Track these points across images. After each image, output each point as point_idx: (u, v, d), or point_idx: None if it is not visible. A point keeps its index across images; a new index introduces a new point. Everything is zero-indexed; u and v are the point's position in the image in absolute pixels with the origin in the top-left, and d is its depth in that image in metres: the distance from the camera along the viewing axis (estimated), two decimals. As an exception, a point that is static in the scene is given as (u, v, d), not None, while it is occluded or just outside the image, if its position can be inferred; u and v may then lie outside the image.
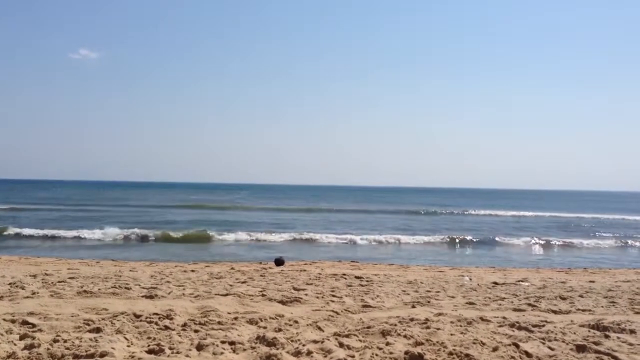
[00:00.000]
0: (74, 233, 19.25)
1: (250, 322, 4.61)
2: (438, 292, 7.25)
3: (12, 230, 19.24)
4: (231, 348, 3.68)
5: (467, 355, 3.52)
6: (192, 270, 9.63)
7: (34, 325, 4.22)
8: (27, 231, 19.29)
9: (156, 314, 4.77)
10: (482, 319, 4.91)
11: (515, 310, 5.72)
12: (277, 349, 3.62)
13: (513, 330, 4.43)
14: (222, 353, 3.53)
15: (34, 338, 3.76)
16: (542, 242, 20.72)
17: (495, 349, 3.73)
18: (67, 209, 34.59)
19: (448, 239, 20.60)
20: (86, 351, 3.39)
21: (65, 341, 3.67)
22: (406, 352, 3.56)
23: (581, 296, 6.95)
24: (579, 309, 5.84)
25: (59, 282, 7.13)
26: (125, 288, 6.56)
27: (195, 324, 4.42)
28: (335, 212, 38.82)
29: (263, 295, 6.33)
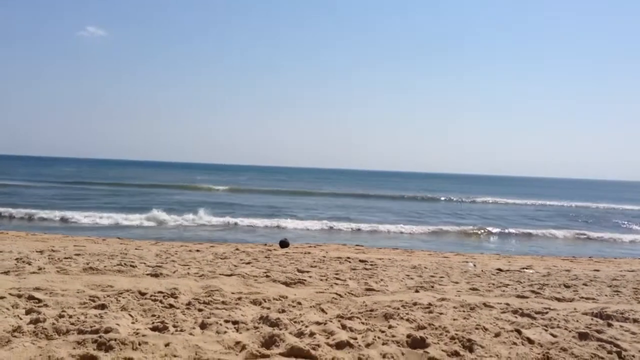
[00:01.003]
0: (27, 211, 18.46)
1: (254, 302, 4.64)
2: (442, 277, 7.25)
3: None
4: (234, 327, 3.70)
5: (469, 340, 3.53)
6: (197, 250, 9.68)
7: (39, 301, 4.27)
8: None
9: (161, 292, 4.81)
10: (485, 305, 4.92)
11: (518, 297, 5.72)
12: (280, 329, 3.63)
13: (516, 317, 4.43)
14: (225, 332, 3.55)
15: (39, 313, 3.80)
16: (577, 235, 19.84)
17: (497, 335, 3.74)
18: (58, 187, 34.36)
19: (473, 229, 19.77)
20: (91, 327, 3.43)
21: (70, 317, 3.71)
22: (408, 336, 3.57)
23: (585, 284, 6.93)
24: (582, 297, 5.83)
25: (65, 258, 7.19)
26: (131, 266, 6.60)
27: (199, 303, 4.45)
28: (340, 197, 38.43)
29: (267, 276, 6.36)
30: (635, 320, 4.39)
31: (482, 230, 19.83)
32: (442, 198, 41.48)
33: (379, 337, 3.54)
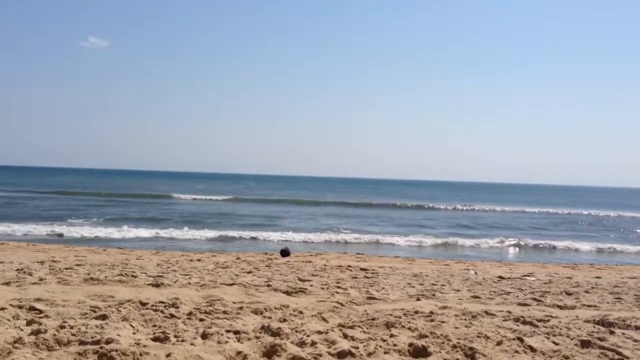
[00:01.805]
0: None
1: (255, 312, 4.63)
2: (443, 285, 7.24)
3: None
4: (236, 337, 3.69)
5: (471, 348, 3.52)
6: (199, 260, 9.68)
7: (40, 311, 4.26)
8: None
9: (162, 302, 4.80)
10: (486, 312, 4.91)
11: (520, 304, 5.71)
12: (282, 339, 3.63)
13: (518, 325, 4.42)
14: (226, 342, 3.54)
15: (40, 324, 3.79)
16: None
17: (499, 343, 3.73)
18: (57, 198, 34.13)
19: (504, 243, 18.09)
20: (92, 337, 3.42)
21: (71, 327, 3.71)
22: (410, 345, 3.56)
23: (587, 292, 6.92)
24: (584, 305, 5.82)
25: (66, 268, 7.19)
26: (132, 276, 6.60)
27: (200, 312, 4.45)
28: (341, 206, 37.39)
29: (268, 285, 6.35)
30: (637, 328, 4.38)
31: (505, 243, 18.30)
32: (449, 207, 40.08)
33: (380, 346, 3.53)
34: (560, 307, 5.63)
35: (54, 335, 3.47)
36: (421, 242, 17.83)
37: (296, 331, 3.88)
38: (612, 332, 4.19)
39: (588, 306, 5.75)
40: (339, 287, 6.51)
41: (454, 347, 3.58)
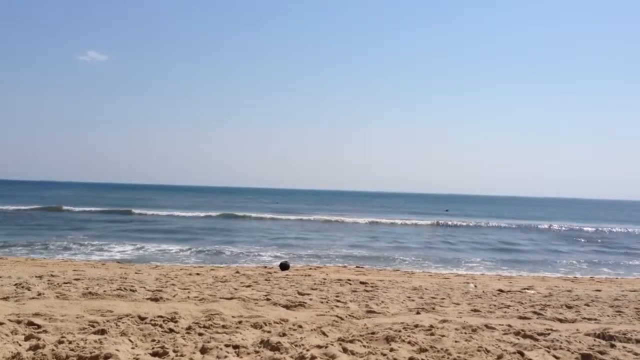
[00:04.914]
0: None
1: (255, 326, 4.62)
2: (443, 298, 7.22)
3: None
4: (235, 352, 3.68)
5: (471, 362, 3.51)
6: (198, 274, 9.65)
7: (39, 326, 4.25)
8: None
9: (161, 316, 4.78)
10: (487, 326, 4.89)
11: (520, 318, 5.69)
12: (281, 353, 3.62)
13: (518, 339, 4.41)
14: (226, 357, 3.53)
15: (39, 339, 3.78)
16: None
17: (499, 357, 3.72)
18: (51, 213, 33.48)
19: None
20: (91, 353, 3.41)
21: (70, 342, 3.69)
22: (410, 359, 3.55)
23: (587, 305, 6.90)
24: (584, 318, 5.81)
25: (64, 283, 7.16)
26: (131, 290, 6.58)
27: (199, 327, 4.43)
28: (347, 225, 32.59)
29: (268, 299, 6.33)
30: (638, 341, 4.37)
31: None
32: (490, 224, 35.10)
33: (380, 361, 3.52)
34: (560, 320, 5.61)
35: (53, 350, 3.46)
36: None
37: (296, 345, 3.87)
38: (612, 346, 4.18)
39: (588, 319, 5.73)
40: (338, 301, 6.48)
41: (454, 361, 3.57)
